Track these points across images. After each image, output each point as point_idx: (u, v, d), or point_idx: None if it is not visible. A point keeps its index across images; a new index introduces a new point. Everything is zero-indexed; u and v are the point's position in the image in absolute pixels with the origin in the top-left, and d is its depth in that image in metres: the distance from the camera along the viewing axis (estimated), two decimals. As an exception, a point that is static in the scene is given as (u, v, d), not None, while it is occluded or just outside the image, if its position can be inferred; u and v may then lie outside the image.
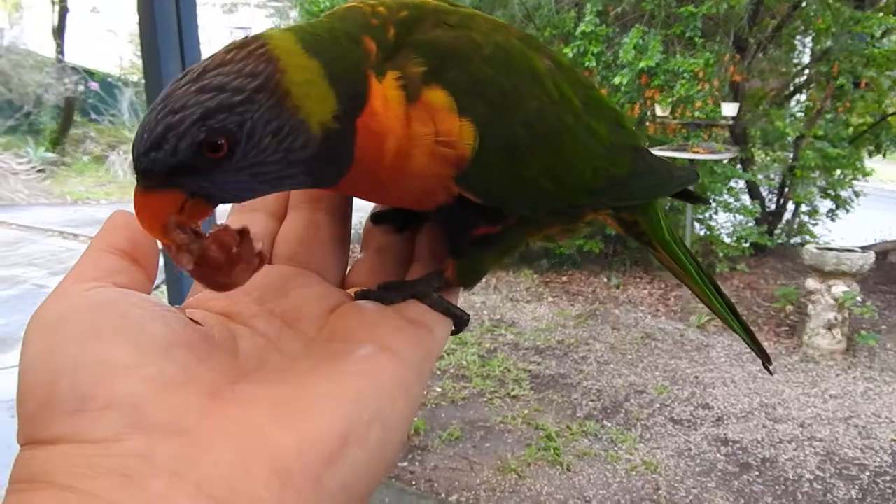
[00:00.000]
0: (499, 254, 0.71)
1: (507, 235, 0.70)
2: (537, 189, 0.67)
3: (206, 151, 0.51)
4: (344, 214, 0.71)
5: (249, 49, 0.53)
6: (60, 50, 19.50)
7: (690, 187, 0.92)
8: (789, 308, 7.79)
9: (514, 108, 0.63)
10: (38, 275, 10.32)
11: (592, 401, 6.04)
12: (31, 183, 16.82)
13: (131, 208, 0.55)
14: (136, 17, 2.44)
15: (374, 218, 0.73)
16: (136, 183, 0.53)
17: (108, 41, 21.59)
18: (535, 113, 0.64)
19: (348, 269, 0.71)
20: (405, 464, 5.01)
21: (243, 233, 0.55)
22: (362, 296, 0.63)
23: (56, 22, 19.08)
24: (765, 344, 6.80)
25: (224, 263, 0.53)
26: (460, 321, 0.66)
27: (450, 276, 0.67)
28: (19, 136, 18.85)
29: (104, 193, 17.05)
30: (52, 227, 13.34)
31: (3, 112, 18.96)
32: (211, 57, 0.53)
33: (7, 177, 16.53)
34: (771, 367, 0.94)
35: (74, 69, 20.08)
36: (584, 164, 0.70)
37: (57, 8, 18.98)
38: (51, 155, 18.46)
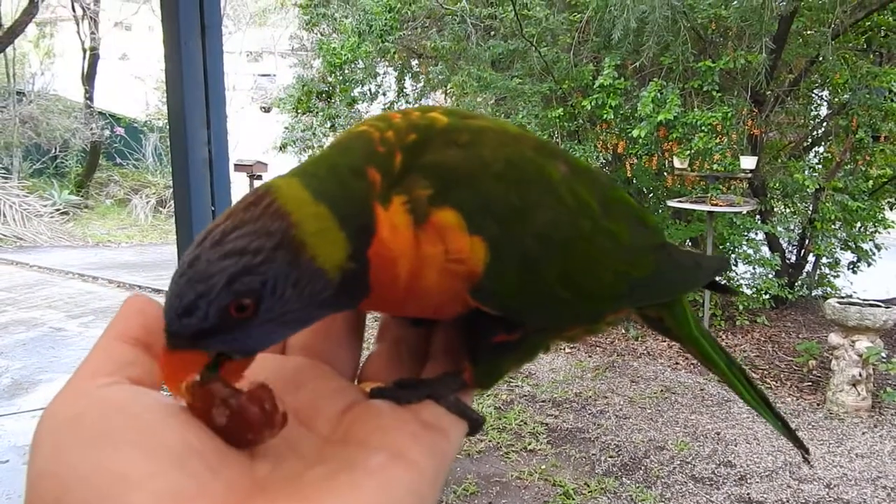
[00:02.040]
0: (518, 358, 0.71)
1: (527, 342, 0.70)
2: (554, 299, 0.66)
3: (234, 313, 0.54)
4: None
5: (262, 206, 0.55)
6: (89, 95, 20.03)
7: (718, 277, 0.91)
8: (812, 363, 7.65)
9: (524, 221, 0.62)
10: (56, 317, 10.41)
11: (611, 456, 5.91)
12: (53, 225, 17.12)
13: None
14: (163, 64, 2.50)
15: None
16: (164, 343, 0.54)
17: (135, 87, 22.15)
18: (547, 224, 0.64)
19: (362, 360, 0.70)
20: (418, 520, 4.90)
21: (267, 390, 0.55)
22: (377, 393, 0.62)
23: (86, 68, 19.63)
24: (787, 400, 6.59)
25: (257, 422, 0.53)
26: (475, 424, 0.64)
27: (467, 378, 0.66)
28: (45, 180, 19.28)
29: (125, 236, 17.30)
30: (72, 269, 13.52)
31: (31, 156, 19.45)
32: (229, 215, 0.55)
33: (31, 219, 16.85)
34: (809, 458, 0.91)
35: (102, 114, 20.60)
36: (604, 270, 0.70)
37: (88, 55, 19.55)
38: (74, 198, 18.83)
